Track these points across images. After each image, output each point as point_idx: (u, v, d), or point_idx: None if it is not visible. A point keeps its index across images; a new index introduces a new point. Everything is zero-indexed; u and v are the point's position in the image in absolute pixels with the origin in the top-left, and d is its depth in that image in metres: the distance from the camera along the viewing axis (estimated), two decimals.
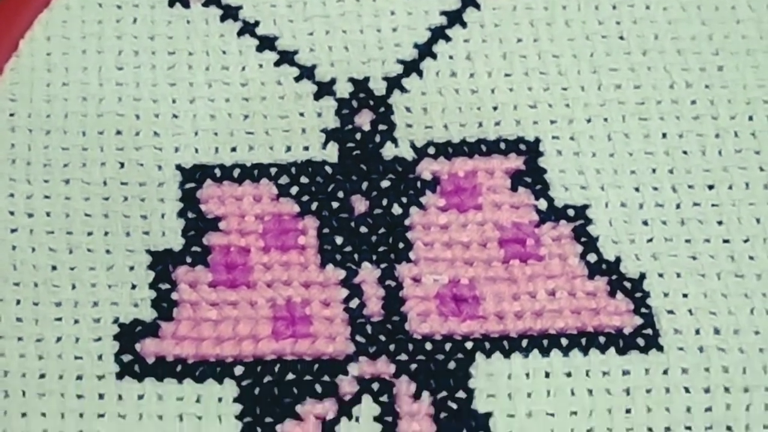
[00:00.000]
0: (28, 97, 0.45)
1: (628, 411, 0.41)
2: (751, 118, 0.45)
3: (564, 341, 0.41)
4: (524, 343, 0.41)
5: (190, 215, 0.43)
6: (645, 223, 0.43)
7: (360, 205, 0.43)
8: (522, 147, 0.44)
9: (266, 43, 0.46)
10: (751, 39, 0.46)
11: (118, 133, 0.44)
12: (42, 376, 0.41)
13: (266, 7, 0.46)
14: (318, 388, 0.41)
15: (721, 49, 0.46)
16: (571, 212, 0.43)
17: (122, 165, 0.44)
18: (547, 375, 0.41)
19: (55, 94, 0.45)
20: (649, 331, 0.41)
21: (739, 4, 0.46)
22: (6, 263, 0.42)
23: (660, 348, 0.41)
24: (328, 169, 0.44)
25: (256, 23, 0.46)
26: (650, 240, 0.43)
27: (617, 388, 0.41)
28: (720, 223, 0.43)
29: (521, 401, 0.41)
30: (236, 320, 0.41)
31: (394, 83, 0.45)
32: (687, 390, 0.41)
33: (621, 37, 0.46)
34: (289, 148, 0.44)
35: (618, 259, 0.43)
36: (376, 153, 0.44)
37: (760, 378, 0.41)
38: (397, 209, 0.43)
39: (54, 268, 0.42)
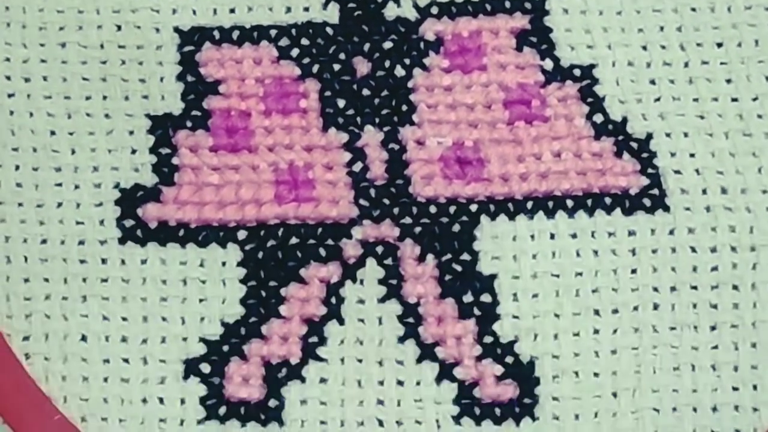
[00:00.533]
0: None
1: (633, 271, 0.41)
2: None
3: (569, 202, 0.41)
4: (529, 204, 0.41)
5: (189, 79, 0.42)
6: (652, 82, 0.42)
7: (362, 67, 0.43)
8: (527, 5, 0.43)
9: None
10: None
11: None
12: (44, 241, 0.41)
13: None
14: (322, 251, 0.41)
15: None
16: (577, 72, 0.43)
17: (119, 28, 0.43)
18: (552, 236, 0.41)
19: None
20: (656, 191, 0.41)
21: None
22: (4, 128, 0.42)
23: (666, 208, 0.41)
24: (329, 30, 0.43)
25: None
26: (657, 99, 0.42)
27: (623, 248, 0.41)
28: (728, 81, 0.42)
29: (526, 263, 0.41)
30: (238, 184, 0.41)
31: None
32: (693, 249, 0.41)
33: None
34: (289, 9, 0.43)
35: (625, 119, 0.42)
36: (378, 13, 0.43)
37: (767, 237, 0.41)
38: (400, 71, 0.43)
39: (53, 133, 0.42)
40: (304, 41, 0.43)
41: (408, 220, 0.41)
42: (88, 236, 0.41)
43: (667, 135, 0.42)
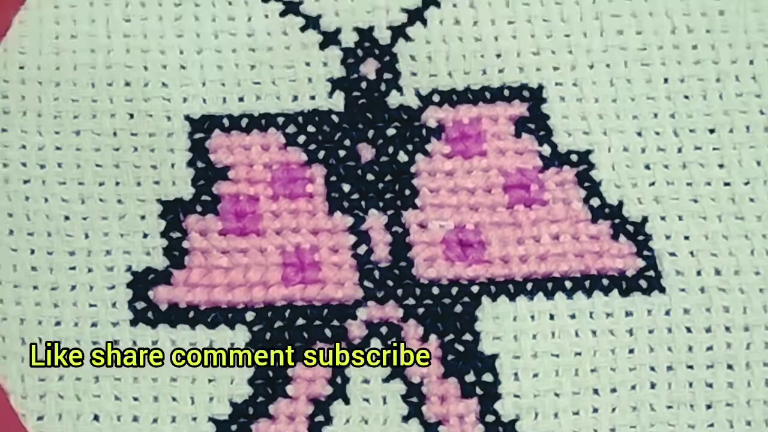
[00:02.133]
0: (37, 50, 0.45)
1: (631, 351, 0.41)
2: (751, 62, 0.45)
3: (568, 284, 0.42)
4: (529, 286, 0.42)
5: (199, 164, 0.44)
6: (647, 167, 0.44)
7: (366, 153, 0.44)
8: (525, 93, 0.44)
9: None
10: None
11: (127, 84, 0.44)
12: (58, 323, 0.42)
13: None
14: (328, 332, 0.42)
15: None
16: (574, 157, 0.44)
17: (131, 116, 0.44)
18: (551, 317, 0.42)
19: (64, 46, 0.45)
20: (652, 273, 0.42)
21: None
22: (20, 213, 0.43)
23: (662, 289, 0.42)
24: (335, 117, 0.44)
25: None
26: (652, 183, 0.43)
27: (620, 328, 0.42)
28: (721, 166, 0.44)
29: (526, 343, 0.41)
30: (246, 267, 0.42)
31: (398, 32, 0.45)
32: (689, 330, 0.42)
33: None
34: (295, 98, 0.44)
35: (621, 203, 0.43)
36: (381, 101, 0.44)
37: (761, 317, 0.42)
38: (402, 156, 0.44)
39: (67, 218, 0.43)
40: (311, 128, 0.44)
41: (411, 301, 0.42)
42: (101, 318, 0.42)
43: (662, 218, 0.43)
